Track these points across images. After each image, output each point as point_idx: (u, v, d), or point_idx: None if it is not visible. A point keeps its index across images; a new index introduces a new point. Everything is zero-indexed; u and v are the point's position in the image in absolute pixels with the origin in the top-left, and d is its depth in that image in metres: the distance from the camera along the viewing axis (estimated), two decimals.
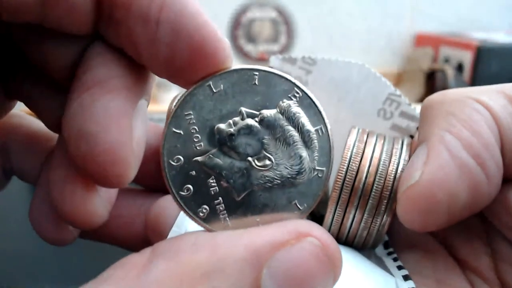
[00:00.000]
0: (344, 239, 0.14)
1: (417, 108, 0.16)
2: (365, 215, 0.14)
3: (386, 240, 0.15)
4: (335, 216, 0.14)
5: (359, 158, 0.13)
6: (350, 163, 0.13)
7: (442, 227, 0.12)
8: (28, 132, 0.17)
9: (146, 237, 0.17)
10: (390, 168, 0.13)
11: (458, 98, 0.13)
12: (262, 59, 0.83)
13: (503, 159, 0.12)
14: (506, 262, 0.12)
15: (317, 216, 0.15)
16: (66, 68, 0.14)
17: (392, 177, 0.13)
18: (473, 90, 0.13)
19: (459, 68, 0.68)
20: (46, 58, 0.14)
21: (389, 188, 0.13)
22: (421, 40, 0.82)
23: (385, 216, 0.13)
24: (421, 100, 0.72)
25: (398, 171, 0.13)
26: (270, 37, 0.82)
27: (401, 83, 0.78)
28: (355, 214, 0.14)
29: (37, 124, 0.17)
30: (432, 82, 0.71)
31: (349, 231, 0.14)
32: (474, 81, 0.65)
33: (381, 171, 0.13)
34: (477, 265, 0.13)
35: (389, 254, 0.14)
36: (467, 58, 0.67)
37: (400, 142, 0.14)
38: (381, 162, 0.13)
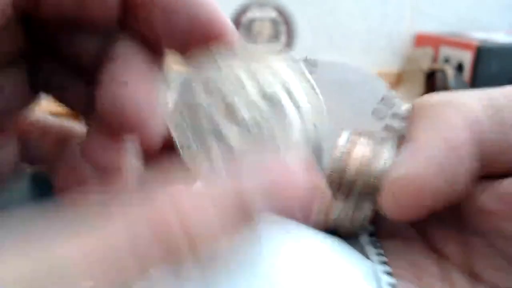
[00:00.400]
0: (331, 228, 0.16)
1: None
2: (350, 208, 0.15)
3: (371, 230, 0.16)
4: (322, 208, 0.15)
5: (347, 157, 0.15)
6: (339, 161, 0.15)
7: (421, 217, 0.13)
8: (44, 125, 0.19)
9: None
10: (375, 166, 0.14)
11: (441, 102, 0.14)
12: None
13: (479, 158, 0.13)
14: (473, 250, 0.14)
15: None
16: (92, 57, 0.15)
17: (376, 174, 0.14)
18: (456, 95, 0.14)
19: (459, 68, 0.68)
20: (74, 49, 0.15)
21: (373, 184, 0.14)
22: (421, 40, 0.82)
23: (368, 210, 0.15)
24: None
25: (383, 169, 0.14)
26: (270, 37, 0.82)
27: (401, 83, 0.78)
28: (342, 207, 0.15)
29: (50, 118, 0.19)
30: (432, 82, 0.71)
31: (335, 221, 0.15)
32: (474, 81, 0.66)
33: (366, 169, 0.14)
34: (448, 252, 0.14)
35: (372, 242, 0.16)
36: (467, 58, 0.67)
37: (388, 142, 0.15)
38: (367, 161, 0.15)
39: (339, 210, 0.15)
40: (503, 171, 0.13)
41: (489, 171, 0.13)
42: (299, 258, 0.13)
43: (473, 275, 0.14)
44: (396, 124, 0.17)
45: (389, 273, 0.14)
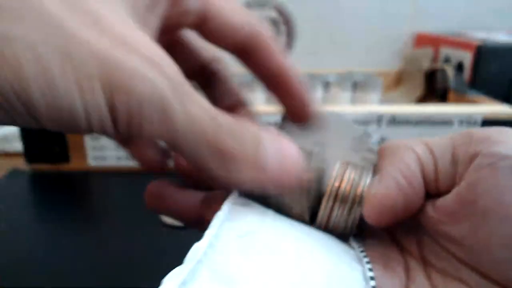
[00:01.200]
0: (330, 229, 0.22)
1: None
2: (343, 215, 0.22)
3: (356, 233, 0.23)
4: (324, 214, 0.22)
5: (340, 179, 0.22)
6: (334, 182, 0.22)
7: (390, 224, 0.20)
8: None
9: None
10: (359, 185, 0.21)
11: (399, 146, 0.21)
12: None
13: (424, 181, 0.20)
14: (425, 245, 0.20)
15: (314, 212, 0.23)
16: None
17: (360, 192, 0.21)
18: (409, 141, 0.22)
19: (459, 68, 0.68)
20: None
21: (358, 199, 0.21)
22: (421, 40, 0.82)
23: (355, 216, 0.22)
24: (420, 100, 0.72)
25: (363, 188, 0.21)
26: None
27: (401, 83, 0.78)
28: (337, 213, 0.22)
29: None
30: (432, 82, 0.71)
31: (333, 223, 0.22)
32: (474, 81, 0.66)
33: (353, 188, 0.21)
34: (408, 247, 0.21)
35: (356, 240, 0.22)
36: (467, 58, 0.67)
37: (368, 170, 0.22)
38: (354, 183, 0.21)
39: (336, 214, 0.22)
40: (440, 191, 0.20)
41: (431, 190, 0.20)
42: (307, 244, 0.19)
43: (425, 263, 0.20)
44: (370, 156, 0.23)
45: (367, 261, 0.20)
